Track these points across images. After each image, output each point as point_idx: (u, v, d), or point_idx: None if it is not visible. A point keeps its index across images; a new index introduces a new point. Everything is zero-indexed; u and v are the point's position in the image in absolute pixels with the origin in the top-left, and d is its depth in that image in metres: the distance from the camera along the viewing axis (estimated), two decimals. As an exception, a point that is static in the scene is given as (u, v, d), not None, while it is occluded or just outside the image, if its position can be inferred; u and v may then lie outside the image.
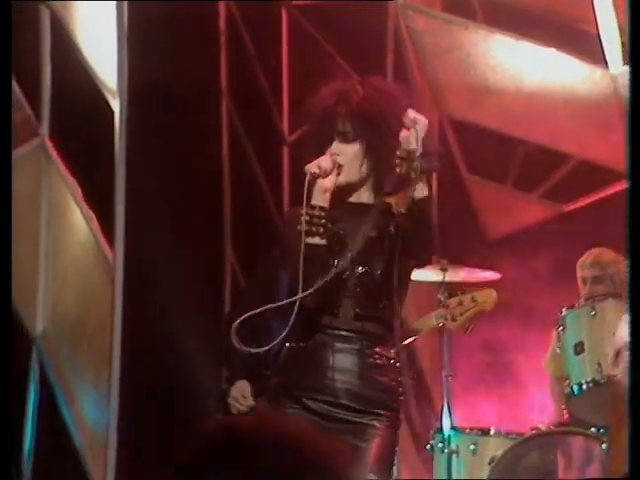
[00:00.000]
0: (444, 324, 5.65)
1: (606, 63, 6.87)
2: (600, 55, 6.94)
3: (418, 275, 6.02)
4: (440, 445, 6.07)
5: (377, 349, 4.32)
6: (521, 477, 5.83)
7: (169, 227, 6.25)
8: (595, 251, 6.44)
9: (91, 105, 6.14)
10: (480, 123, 7.54)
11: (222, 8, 7.42)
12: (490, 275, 6.30)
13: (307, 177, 4.10)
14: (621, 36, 6.91)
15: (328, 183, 4.10)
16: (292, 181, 7.38)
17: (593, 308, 5.88)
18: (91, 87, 6.14)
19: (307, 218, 4.06)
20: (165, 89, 6.52)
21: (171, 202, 6.40)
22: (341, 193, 4.21)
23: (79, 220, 6.18)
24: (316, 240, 4.10)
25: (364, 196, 4.26)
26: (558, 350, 6.13)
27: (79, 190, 6.10)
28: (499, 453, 5.86)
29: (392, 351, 4.40)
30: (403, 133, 4.03)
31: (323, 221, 4.09)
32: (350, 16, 7.37)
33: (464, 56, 7.29)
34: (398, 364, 4.45)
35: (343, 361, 4.33)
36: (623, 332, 4.87)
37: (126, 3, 6.24)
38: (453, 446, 6.06)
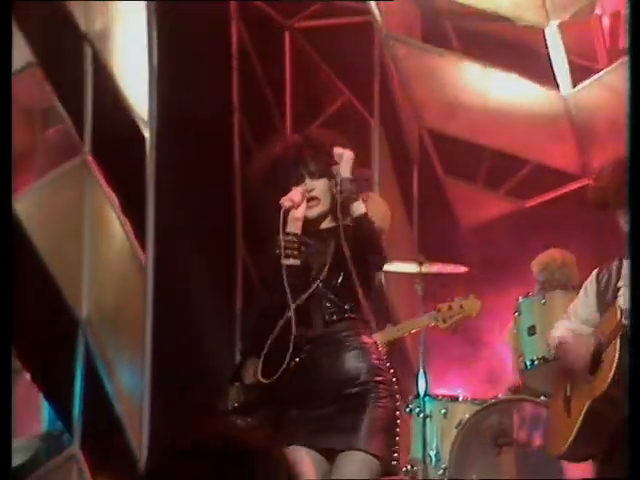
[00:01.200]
0: (435, 324, 6.00)
1: (558, 86, 7.17)
2: (553, 79, 7.14)
3: (399, 267, 6.38)
4: (417, 409, 6.36)
5: (357, 339, 4.47)
6: (483, 436, 6.09)
7: (191, 232, 6.46)
8: (544, 258, 6.62)
9: (126, 129, 6.53)
10: (453, 134, 7.75)
11: (234, 37, 7.60)
12: (459, 268, 6.56)
13: (282, 210, 4.33)
14: (569, 63, 7.07)
15: (299, 213, 4.32)
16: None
17: (543, 297, 6.16)
18: (125, 114, 6.48)
19: (283, 243, 4.28)
20: (187, 112, 6.74)
21: (192, 210, 6.60)
22: (314, 222, 4.43)
23: (116, 226, 6.53)
24: (291, 261, 4.31)
25: (327, 222, 4.47)
26: (515, 331, 6.38)
27: (117, 201, 6.47)
28: (466, 417, 6.18)
29: (370, 338, 4.55)
30: (336, 167, 4.36)
31: (296, 245, 4.32)
32: (342, 42, 7.55)
33: (439, 78, 7.48)
34: (380, 347, 4.56)
35: (333, 359, 4.45)
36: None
37: (155, 41, 6.48)
38: (427, 411, 6.35)
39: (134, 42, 6.63)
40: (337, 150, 4.42)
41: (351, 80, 7.85)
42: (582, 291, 4.93)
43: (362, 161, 7.35)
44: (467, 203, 8.06)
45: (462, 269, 6.66)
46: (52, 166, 6.56)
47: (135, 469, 6.28)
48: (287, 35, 7.94)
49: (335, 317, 4.47)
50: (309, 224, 4.40)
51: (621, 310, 4.59)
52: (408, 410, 6.46)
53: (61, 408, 6.46)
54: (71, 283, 6.42)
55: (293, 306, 4.36)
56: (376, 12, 7.46)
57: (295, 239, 4.28)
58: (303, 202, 4.34)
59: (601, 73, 7.22)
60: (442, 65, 7.54)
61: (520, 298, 6.32)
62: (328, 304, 4.46)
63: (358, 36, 7.52)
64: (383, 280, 7.05)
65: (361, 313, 4.55)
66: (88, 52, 6.41)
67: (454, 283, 6.99)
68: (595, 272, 4.88)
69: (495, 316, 6.85)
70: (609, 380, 4.46)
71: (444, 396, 6.59)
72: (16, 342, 6.11)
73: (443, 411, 6.41)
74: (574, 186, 7.68)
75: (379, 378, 4.41)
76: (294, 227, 4.28)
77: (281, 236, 4.25)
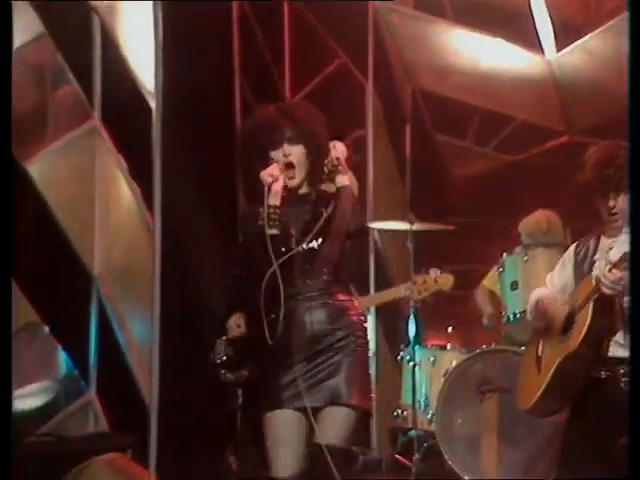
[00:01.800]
0: (409, 295, 6.16)
1: (543, 51, 7.18)
2: (538, 44, 7.20)
3: (391, 225, 6.57)
4: (407, 357, 6.59)
5: (335, 296, 4.56)
6: (468, 384, 6.20)
7: (195, 192, 6.52)
8: (530, 223, 6.63)
9: (133, 99, 6.56)
10: (444, 94, 7.88)
11: (235, 4, 7.61)
12: (447, 227, 6.59)
13: (265, 185, 4.44)
14: (554, 28, 7.09)
15: (278, 187, 4.43)
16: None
17: (526, 254, 6.26)
18: (133, 83, 6.55)
19: (266, 215, 4.40)
20: (190, 77, 6.67)
21: (196, 171, 6.69)
22: (293, 189, 4.54)
23: (125, 189, 6.66)
24: (273, 231, 4.42)
25: (304, 188, 4.56)
26: (497, 285, 6.54)
27: (125, 165, 6.61)
28: (453, 365, 6.35)
29: (348, 295, 4.64)
30: (332, 152, 4.46)
31: (277, 216, 4.42)
32: (339, 9, 7.60)
33: (431, 44, 7.52)
34: (356, 303, 4.67)
35: (314, 314, 4.56)
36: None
37: (160, 12, 6.17)
38: (417, 359, 6.55)
39: (140, 14, 6.45)
40: (332, 142, 4.52)
41: (347, 45, 7.89)
42: (560, 263, 4.96)
43: (356, 120, 7.68)
44: (457, 158, 8.12)
45: (450, 227, 6.72)
46: (64, 129, 6.59)
47: (146, 414, 6.17)
48: (286, 2, 7.96)
49: (314, 278, 4.57)
50: (288, 191, 4.53)
51: (596, 279, 4.59)
52: (399, 358, 6.76)
53: (77, 358, 6.58)
54: (84, 242, 6.54)
55: (277, 268, 4.45)
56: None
57: (277, 211, 4.39)
58: (281, 175, 4.45)
59: (585, 38, 7.15)
60: (434, 31, 7.62)
61: (504, 255, 6.42)
62: (307, 266, 4.56)
63: (354, 3, 7.58)
64: (377, 237, 7.12)
65: (339, 275, 4.66)
66: (96, 24, 6.46)
67: (443, 239, 6.96)
68: (573, 246, 4.89)
69: (481, 264, 7.04)
70: (580, 339, 4.51)
71: (433, 345, 6.81)
72: (34, 297, 6.32)
73: (432, 359, 6.59)
74: (558, 142, 7.66)
75: (356, 333, 4.54)
76: (275, 200, 4.38)
77: (265, 208, 4.36)
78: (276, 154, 4.50)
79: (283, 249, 4.46)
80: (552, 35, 7.15)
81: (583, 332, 4.50)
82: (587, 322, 4.50)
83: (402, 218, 6.92)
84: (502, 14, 7.42)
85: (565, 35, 7.41)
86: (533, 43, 7.26)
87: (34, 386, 6.56)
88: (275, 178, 4.42)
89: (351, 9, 7.69)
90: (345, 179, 4.63)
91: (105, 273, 6.63)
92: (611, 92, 7.20)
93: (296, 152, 4.52)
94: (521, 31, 7.31)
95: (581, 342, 4.49)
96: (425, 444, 6.50)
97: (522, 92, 7.65)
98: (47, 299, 6.45)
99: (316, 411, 4.43)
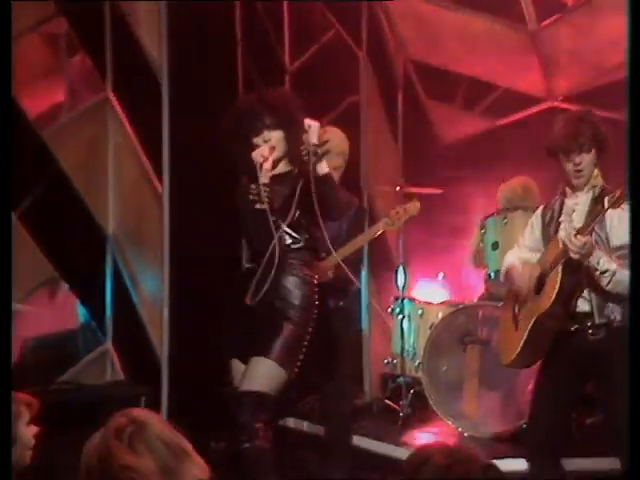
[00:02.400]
0: (387, 228, 6.18)
1: (525, 22, 7.19)
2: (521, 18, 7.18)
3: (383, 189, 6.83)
4: (397, 310, 6.77)
5: (299, 268, 4.92)
6: (452, 335, 6.34)
7: (200, 159, 6.48)
8: (507, 188, 6.71)
9: (143, 73, 6.66)
10: (434, 63, 7.70)
11: None
12: (434, 190, 6.82)
13: (257, 164, 4.73)
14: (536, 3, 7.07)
15: (268, 165, 4.73)
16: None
17: (505, 217, 6.40)
18: (142, 58, 6.64)
19: (256, 192, 4.73)
20: (195, 49, 6.83)
21: (201, 139, 6.41)
22: (272, 168, 4.82)
23: (135, 157, 6.76)
24: (264, 206, 4.74)
25: (282, 167, 4.85)
26: (481, 244, 6.61)
27: (135, 134, 6.71)
28: (439, 317, 6.50)
29: (311, 272, 4.96)
30: (305, 135, 4.72)
31: (267, 193, 4.72)
32: None
33: (421, 18, 7.46)
34: (315, 281, 5.00)
35: (275, 282, 4.83)
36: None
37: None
38: (406, 311, 6.76)
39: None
40: (306, 121, 4.76)
41: (342, 17, 7.76)
42: (529, 226, 5.13)
43: (350, 87, 7.75)
44: (446, 122, 8.02)
45: (438, 191, 6.89)
46: (79, 100, 6.72)
47: (157, 364, 6.63)
48: None
49: (290, 246, 4.87)
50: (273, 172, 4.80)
51: (562, 241, 4.74)
52: (390, 310, 6.91)
53: (94, 311, 6.77)
54: (98, 204, 6.71)
55: (276, 241, 4.74)
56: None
57: (267, 188, 4.66)
58: (270, 155, 4.71)
59: (564, 13, 7.10)
60: (424, 6, 7.52)
61: (486, 218, 6.55)
62: (286, 236, 4.85)
63: None
64: (365, 204, 7.13)
65: (312, 243, 4.98)
66: (107, 4, 6.57)
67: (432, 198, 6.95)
68: (540, 209, 5.06)
69: (468, 217, 7.11)
70: (552, 299, 4.71)
71: (422, 301, 6.88)
72: (53, 255, 6.54)
73: (420, 312, 6.74)
74: (539, 108, 7.65)
75: (303, 306, 4.87)
76: (265, 178, 4.66)
77: (260, 186, 4.64)
78: (257, 140, 4.76)
79: (266, 221, 4.71)
80: (533, 9, 7.04)
81: (555, 292, 4.69)
82: (557, 283, 4.68)
83: (394, 180, 7.04)
84: None
85: (548, 10, 7.20)
86: (516, 17, 7.18)
87: (56, 334, 6.75)
88: (265, 158, 4.69)
89: None
90: (324, 167, 4.84)
91: (119, 234, 6.77)
92: (589, 62, 7.22)
93: (275, 137, 4.79)
94: (506, 5, 7.21)
95: (553, 301, 4.69)
96: (412, 390, 6.65)
97: (506, 61, 7.47)
98: (65, 257, 6.60)
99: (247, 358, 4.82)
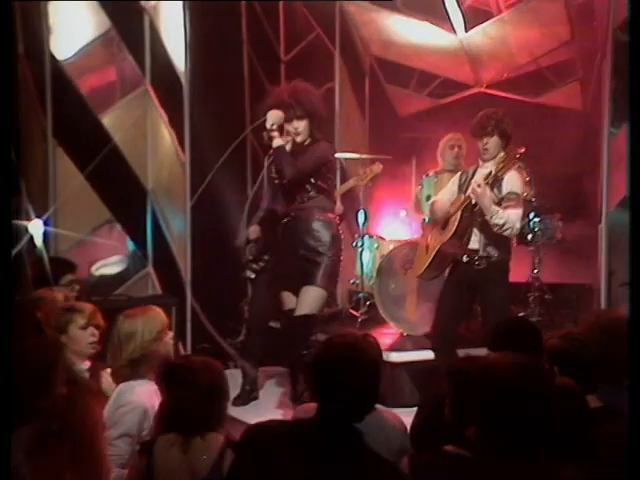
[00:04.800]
0: (358, 183, 6.75)
1: (455, 31, 7.49)
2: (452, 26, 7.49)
3: (348, 155, 7.08)
4: (360, 244, 7.08)
5: (322, 214, 5.19)
6: (397, 262, 6.67)
7: (214, 136, 6.66)
8: (442, 150, 6.88)
9: (170, 72, 6.99)
10: (391, 59, 8.14)
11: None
12: (385, 157, 6.95)
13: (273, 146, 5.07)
14: (465, 13, 7.33)
15: (280, 142, 5.06)
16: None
17: (436, 176, 6.89)
18: (169, 61, 6.98)
19: (269, 161, 5.19)
20: (209, 51, 7.09)
21: (215, 122, 6.97)
22: (301, 143, 5.13)
23: (166, 134, 7.10)
24: (273, 173, 5.19)
25: (308, 142, 5.18)
26: (419, 196, 7.05)
27: (166, 118, 7.04)
28: (390, 249, 6.83)
29: (332, 215, 5.22)
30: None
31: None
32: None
33: (379, 25, 7.81)
34: (338, 221, 5.31)
35: (304, 225, 5.15)
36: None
37: (188, 13, 6.90)
38: (366, 245, 7.10)
39: (174, 13, 6.97)
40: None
41: (321, 22, 8.15)
42: (450, 183, 5.56)
43: (328, 75, 8.07)
44: (402, 101, 8.43)
45: (388, 157, 7.01)
46: (126, 91, 6.93)
47: (183, 282, 6.99)
48: None
49: (308, 197, 5.19)
50: (298, 144, 5.15)
51: (465, 195, 5.22)
52: (354, 244, 7.14)
53: (139, 243, 7.04)
54: (141, 168, 6.97)
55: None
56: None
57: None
58: (284, 136, 5.07)
59: (486, 23, 7.38)
60: (381, 16, 7.78)
61: (423, 177, 7.03)
62: (307, 187, 5.19)
63: None
64: (344, 163, 7.53)
65: (327, 196, 5.27)
66: (147, 20, 6.86)
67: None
68: (459, 173, 5.53)
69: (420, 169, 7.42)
70: (451, 233, 5.26)
71: (378, 236, 7.21)
72: (110, 204, 6.76)
73: (375, 245, 7.13)
74: (469, 92, 8.08)
75: (334, 245, 5.21)
76: (269, 134, 5.06)
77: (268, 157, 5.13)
78: (288, 126, 5.10)
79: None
80: (462, 19, 7.32)
81: (453, 228, 5.28)
82: (456, 222, 5.27)
83: (362, 147, 7.60)
84: (430, 4, 7.49)
85: (471, 21, 7.45)
86: (449, 26, 7.50)
87: (112, 259, 6.97)
88: (276, 120, 5.05)
89: None
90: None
91: (156, 189, 7.03)
92: (503, 60, 7.61)
93: (302, 125, 5.12)
94: (442, 18, 7.46)
95: (452, 235, 5.28)
96: (368, 302, 7.01)
97: (443, 58, 7.84)
98: (118, 205, 6.88)
99: (298, 290, 5.15)
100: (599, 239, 6.46)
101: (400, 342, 6.49)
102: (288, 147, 5.01)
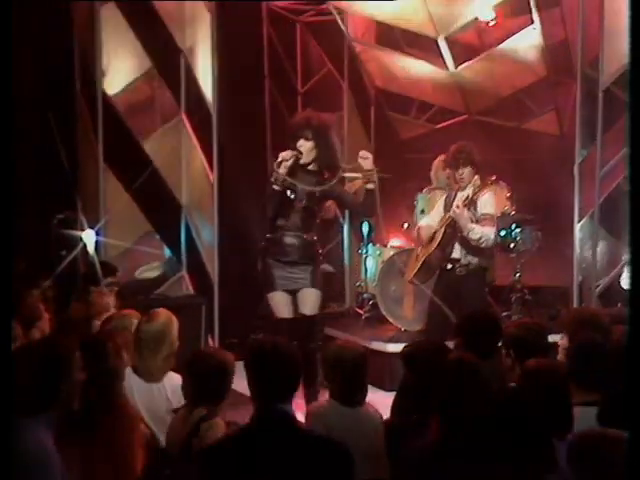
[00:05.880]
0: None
1: (447, 67, 7.84)
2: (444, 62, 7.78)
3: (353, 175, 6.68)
4: (364, 251, 7.58)
5: (306, 235, 5.33)
6: (396, 267, 6.89)
7: (240, 163, 7.21)
8: (434, 173, 6.97)
9: (201, 106, 7.13)
10: (393, 90, 8.50)
11: (265, 36, 8.38)
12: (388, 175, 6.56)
13: (276, 161, 5.03)
14: (454, 52, 7.57)
15: (287, 163, 5.08)
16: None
17: (429, 193, 7.17)
18: (201, 97, 7.14)
19: (274, 178, 5.12)
20: (235, 87, 7.36)
21: (239, 148, 7.37)
22: (303, 165, 5.18)
23: (198, 157, 7.31)
24: (277, 188, 5.15)
25: (312, 167, 5.25)
26: (415, 210, 7.23)
27: (198, 144, 7.24)
28: (390, 255, 7.16)
29: (314, 236, 5.35)
30: (361, 160, 5.03)
31: (281, 179, 5.09)
32: (329, 35, 8.37)
33: (382, 62, 8.08)
34: (315, 239, 5.37)
35: (292, 241, 5.30)
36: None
37: (217, 54, 7.03)
38: (369, 253, 7.57)
39: (206, 53, 7.17)
40: (362, 153, 5.14)
41: (332, 59, 8.55)
42: (437, 204, 5.89)
43: (338, 104, 8.13)
44: (404, 127, 8.80)
45: (387, 175, 6.56)
46: (164, 120, 7.17)
47: (211, 284, 7.08)
48: (298, 27, 8.68)
49: (307, 223, 5.24)
50: (301, 166, 5.19)
51: (449, 215, 5.56)
52: (359, 251, 7.69)
53: (175, 251, 7.23)
54: (177, 187, 7.19)
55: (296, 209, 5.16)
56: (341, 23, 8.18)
57: (282, 177, 5.13)
58: (291, 158, 5.10)
59: (473, 60, 7.76)
60: (384, 54, 8.17)
61: (418, 193, 7.26)
62: (305, 214, 5.27)
63: (339, 33, 8.32)
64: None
65: (315, 219, 5.37)
66: (182, 59, 7.12)
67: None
68: (444, 196, 5.85)
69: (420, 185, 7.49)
70: (436, 246, 5.69)
71: (380, 244, 7.53)
72: (150, 217, 6.94)
73: (378, 252, 7.51)
74: (461, 118, 8.44)
75: (314, 260, 5.34)
76: (283, 170, 5.14)
77: (274, 174, 5.12)
78: (298, 144, 5.16)
79: (292, 197, 5.15)
80: (451, 57, 7.66)
81: (437, 242, 5.73)
82: (440, 237, 5.72)
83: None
84: (425, 43, 7.78)
85: (464, 55, 7.80)
86: (441, 63, 7.85)
87: (152, 264, 7.15)
88: (284, 158, 5.10)
89: (335, 35, 8.28)
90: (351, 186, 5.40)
91: (188, 204, 7.22)
92: (490, 91, 7.96)
93: (307, 145, 5.16)
94: (435, 55, 7.81)
95: (436, 247, 5.73)
96: (371, 301, 7.36)
97: (437, 90, 8.20)
98: (157, 218, 7.11)
99: (294, 292, 5.27)
100: (572, 247, 6.78)
101: (398, 336, 6.81)
102: (290, 163, 5.06)
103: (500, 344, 3.92)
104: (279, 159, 5.05)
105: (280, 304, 5.25)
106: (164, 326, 4.09)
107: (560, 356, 3.96)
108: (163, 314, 4.15)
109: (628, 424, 2.05)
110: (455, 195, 5.72)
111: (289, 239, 5.22)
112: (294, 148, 5.11)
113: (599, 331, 3.84)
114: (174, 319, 4.08)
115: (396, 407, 3.69)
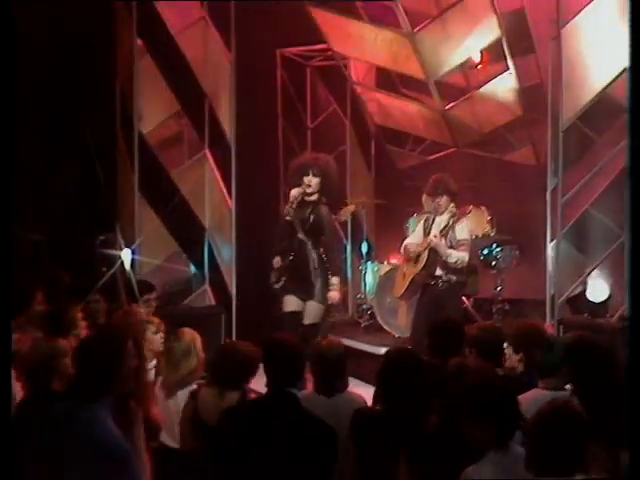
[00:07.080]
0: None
1: (436, 106, 7.88)
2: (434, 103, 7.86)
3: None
4: (364, 267, 7.97)
5: (319, 253, 5.73)
6: (391, 283, 6.92)
7: (254, 192, 7.52)
8: (425, 200, 6.74)
9: (222, 142, 7.69)
10: (390, 126, 8.70)
11: (279, 80, 8.70)
12: (383, 201, 7.82)
13: (290, 199, 5.54)
14: (442, 92, 7.65)
15: (295, 199, 5.59)
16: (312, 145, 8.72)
17: (419, 218, 6.98)
18: (222, 134, 7.61)
19: (287, 212, 5.64)
20: (252, 127, 7.78)
21: (255, 183, 7.69)
22: (308, 196, 5.64)
23: (219, 187, 7.81)
24: (288, 218, 5.67)
25: (313, 197, 5.69)
26: (408, 232, 7.25)
27: (219, 175, 7.78)
28: (386, 270, 7.53)
29: (324, 256, 5.73)
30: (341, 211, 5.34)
31: (291, 212, 5.62)
32: (334, 79, 8.61)
33: (379, 103, 8.44)
34: (326, 258, 5.75)
35: (302, 261, 5.68)
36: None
37: (234, 97, 7.46)
38: (368, 269, 7.96)
39: (227, 95, 7.64)
40: (346, 208, 5.65)
41: (337, 99, 8.94)
42: (418, 227, 6.18)
43: (341, 140, 8.83)
44: (400, 158, 9.07)
45: (384, 201, 7.99)
46: (190, 154, 7.68)
47: (230, 300, 7.56)
48: (307, 70, 9.02)
49: (311, 242, 5.64)
50: (305, 199, 5.63)
51: (429, 239, 5.84)
52: (360, 268, 8.08)
53: (199, 267, 7.70)
54: (201, 212, 7.70)
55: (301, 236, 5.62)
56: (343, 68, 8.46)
57: (291, 210, 5.69)
58: (299, 196, 5.62)
59: (459, 100, 7.98)
60: (382, 96, 8.47)
61: (410, 218, 7.63)
62: (311, 236, 5.69)
63: (343, 76, 8.63)
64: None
65: (321, 235, 5.71)
66: (207, 102, 7.61)
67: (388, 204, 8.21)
68: (424, 219, 6.15)
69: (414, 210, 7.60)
70: (421, 267, 5.98)
71: (378, 261, 7.95)
72: (177, 239, 7.44)
73: (375, 269, 7.93)
74: (449, 151, 8.58)
75: (326, 267, 5.79)
76: (292, 204, 5.69)
77: (287, 209, 5.70)
78: (306, 179, 5.59)
79: (296, 223, 5.60)
80: (440, 98, 7.82)
81: (422, 263, 6.01)
82: (424, 259, 6.00)
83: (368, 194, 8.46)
84: (419, 85, 8.00)
85: (452, 95, 7.99)
86: (431, 103, 8.06)
87: (180, 279, 7.50)
88: (293, 197, 5.63)
89: (339, 77, 8.62)
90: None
91: (210, 227, 7.71)
92: (474, 127, 8.18)
93: (314, 181, 5.61)
94: (427, 96, 8.01)
95: (422, 268, 6.02)
96: (369, 311, 7.75)
97: (429, 126, 8.42)
98: (184, 239, 7.60)
99: (303, 300, 5.74)
100: (546, 264, 7.14)
101: (392, 342, 7.14)
102: (296, 192, 5.48)
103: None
104: (291, 199, 5.58)
105: (291, 300, 5.68)
106: (189, 344, 4.19)
107: (508, 362, 4.16)
108: (188, 333, 4.24)
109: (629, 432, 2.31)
110: (433, 220, 6.04)
111: (299, 258, 5.68)
112: (300, 184, 5.54)
113: (540, 342, 4.02)
114: (198, 337, 4.19)
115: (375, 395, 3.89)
